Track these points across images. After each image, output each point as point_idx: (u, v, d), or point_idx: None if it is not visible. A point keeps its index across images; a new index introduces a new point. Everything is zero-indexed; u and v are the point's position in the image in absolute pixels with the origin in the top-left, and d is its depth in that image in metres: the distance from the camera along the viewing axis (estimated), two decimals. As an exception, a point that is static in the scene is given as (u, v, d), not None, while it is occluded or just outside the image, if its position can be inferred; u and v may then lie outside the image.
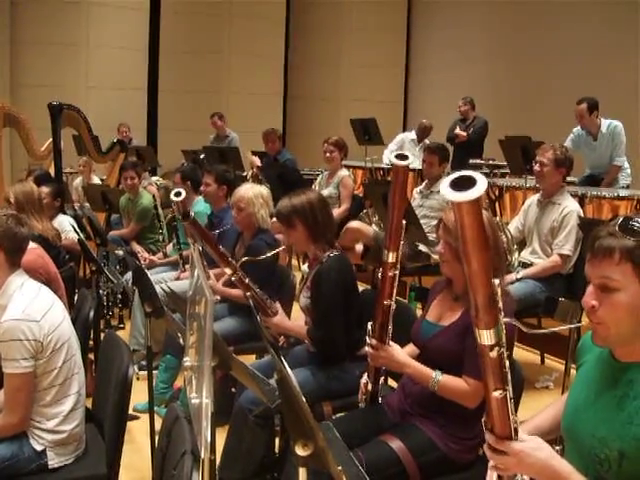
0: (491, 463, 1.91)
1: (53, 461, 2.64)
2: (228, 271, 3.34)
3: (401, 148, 9.72)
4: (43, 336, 2.54)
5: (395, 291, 2.45)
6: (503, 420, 1.50)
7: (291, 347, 3.52)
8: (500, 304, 1.39)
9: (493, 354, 1.41)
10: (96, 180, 8.49)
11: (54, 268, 3.71)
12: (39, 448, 2.61)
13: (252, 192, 4.21)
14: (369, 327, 2.57)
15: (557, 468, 1.57)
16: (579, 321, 4.27)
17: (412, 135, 9.76)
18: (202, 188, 5.06)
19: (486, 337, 1.40)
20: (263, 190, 4.39)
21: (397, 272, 2.41)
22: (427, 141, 9.35)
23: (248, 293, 3.33)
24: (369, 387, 2.71)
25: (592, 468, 1.67)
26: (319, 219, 3.22)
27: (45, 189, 5.17)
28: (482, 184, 1.25)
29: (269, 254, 3.62)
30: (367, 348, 2.58)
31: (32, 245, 3.51)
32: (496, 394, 1.45)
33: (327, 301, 3.14)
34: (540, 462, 1.55)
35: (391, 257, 2.38)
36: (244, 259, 3.48)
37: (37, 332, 2.53)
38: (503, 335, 1.41)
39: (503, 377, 1.45)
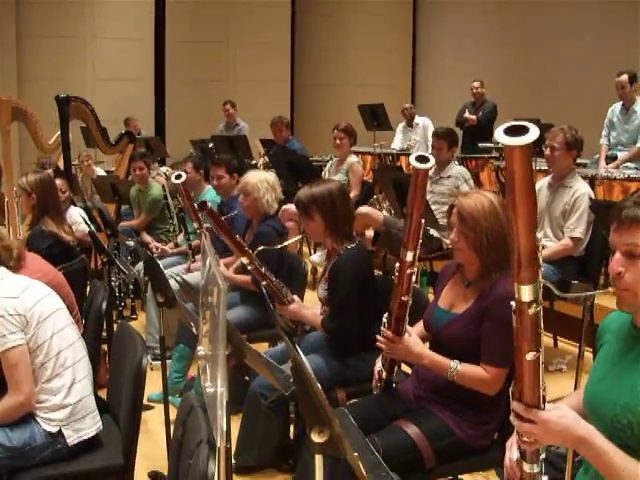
0: (509, 442, 1.92)
1: (71, 438, 2.60)
2: (245, 260, 3.33)
3: (399, 138, 10.13)
4: (25, 309, 2.56)
5: (412, 287, 2.48)
6: (534, 385, 1.49)
7: (306, 333, 3.52)
8: (540, 260, 1.38)
9: (531, 311, 1.41)
10: (100, 172, 8.50)
11: (48, 267, 3.60)
12: (54, 430, 2.58)
13: (257, 178, 4.24)
14: (384, 319, 2.57)
15: (583, 433, 1.58)
16: (592, 303, 4.26)
17: (402, 123, 10.19)
18: (214, 182, 5.03)
19: (525, 293, 1.39)
20: (269, 176, 4.39)
21: (415, 270, 2.44)
22: (418, 122, 9.97)
23: (264, 282, 3.32)
24: (383, 375, 2.71)
25: (615, 436, 1.67)
26: (338, 211, 3.18)
27: (57, 181, 5.14)
28: (534, 132, 1.30)
29: (286, 243, 3.63)
30: (382, 339, 2.57)
31: None
32: (529, 356, 1.45)
33: (342, 294, 3.14)
34: (567, 429, 1.55)
35: (409, 256, 2.41)
36: (260, 248, 3.47)
37: (18, 306, 2.55)
38: (540, 293, 1.40)
39: (538, 337, 1.44)
